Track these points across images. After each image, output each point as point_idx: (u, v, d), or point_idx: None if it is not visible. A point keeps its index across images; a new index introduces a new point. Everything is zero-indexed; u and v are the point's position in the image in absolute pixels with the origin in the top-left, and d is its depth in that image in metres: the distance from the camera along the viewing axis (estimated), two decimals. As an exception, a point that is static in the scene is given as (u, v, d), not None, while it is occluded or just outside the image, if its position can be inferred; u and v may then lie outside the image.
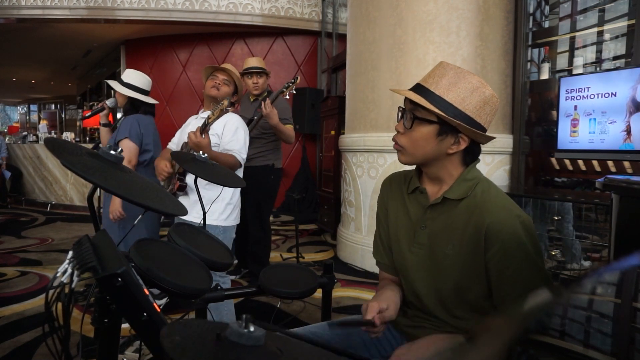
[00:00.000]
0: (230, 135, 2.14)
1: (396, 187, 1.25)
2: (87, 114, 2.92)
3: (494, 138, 1.11)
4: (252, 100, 3.26)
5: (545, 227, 2.89)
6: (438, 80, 1.06)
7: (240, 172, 2.24)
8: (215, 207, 2.05)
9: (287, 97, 3.08)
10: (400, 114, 1.13)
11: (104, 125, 2.81)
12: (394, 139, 1.14)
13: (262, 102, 2.89)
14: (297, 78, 3.08)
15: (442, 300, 1.11)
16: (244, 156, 2.16)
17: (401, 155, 1.13)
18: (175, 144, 2.30)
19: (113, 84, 2.61)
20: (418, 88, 1.09)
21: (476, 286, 1.06)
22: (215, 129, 2.14)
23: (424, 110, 1.06)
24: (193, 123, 2.24)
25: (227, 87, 2.23)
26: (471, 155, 1.11)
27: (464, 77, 1.05)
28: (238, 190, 2.20)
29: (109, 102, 2.78)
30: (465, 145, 1.07)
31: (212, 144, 2.10)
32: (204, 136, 2.01)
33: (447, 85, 1.05)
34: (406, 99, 1.10)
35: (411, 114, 1.08)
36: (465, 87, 1.04)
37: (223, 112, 2.02)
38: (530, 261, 1.02)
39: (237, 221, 2.23)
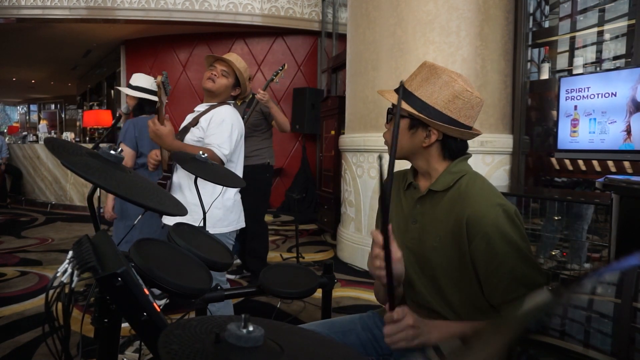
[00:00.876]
0: (214, 127, 1.91)
1: (395, 184, 1.28)
2: (113, 122, 3.03)
3: (473, 134, 1.13)
4: (239, 104, 3.30)
5: (550, 227, 2.88)
6: (413, 78, 1.14)
7: (240, 171, 2.10)
8: (198, 212, 1.83)
9: (277, 82, 3.44)
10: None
11: None
12: (383, 135, 1.22)
13: (259, 90, 3.13)
14: (284, 65, 3.39)
15: (441, 294, 1.11)
16: (226, 152, 1.89)
17: (388, 149, 1.19)
18: None
19: (123, 89, 2.70)
20: (398, 88, 1.14)
21: (467, 279, 1.06)
22: (202, 122, 1.96)
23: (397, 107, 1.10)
24: (187, 117, 2.12)
25: (225, 79, 2.01)
26: (448, 150, 1.13)
27: (435, 73, 1.10)
28: (231, 195, 2.00)
29: (123, 109, 2.88)
30: (436, 138, 1.11)
31: (195, 139, 1.95)
32: (164, 124, 1.79)
33: (419, 81, 1.11)
34: None
35: (390, 110, 1.17)
36: (435, 82, 1.09)
37: (160, 88, 1.78)
38: (515, 249, 1.01)
39: (229, 229, 1.99)
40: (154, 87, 2.68)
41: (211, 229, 1.89)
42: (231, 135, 1.93)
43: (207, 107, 2.04)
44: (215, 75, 2.00)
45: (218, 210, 1.94)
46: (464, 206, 1.05)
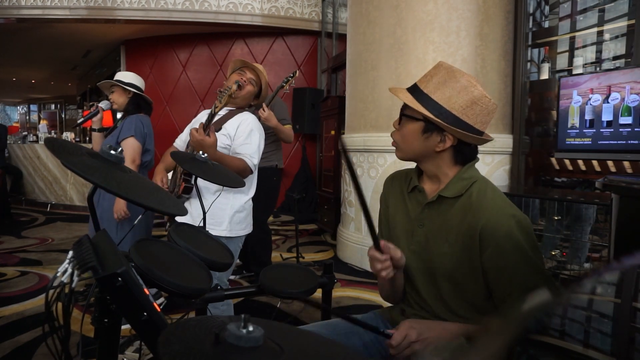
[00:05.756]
0: (244, 137, 1.93)
1: (397, 185, 1.26)
2: (81, 119, 2.79)
3: (485, 140, 1.11)
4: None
5: (550, 227, 2.88)
6: (429, 80, 1.09)
7: (253, 177, 2.08)
8: (223, 216, 1.91)
9: (288, 90, 3.14)
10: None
11: (98, 130, 2.74)
12: (391, 135, 1.18)
13: (263, 105, 2.93)
14: (295, 72, 3.15)
15: (443, 299, 1.11)
16: (256, 162, 1.95)
17: (396, 150, 1.17)
18: (182, 140, 2.13)
19: (119, 83, 2.59)
20: (412, 88, 1.12)
21: (473, 285, 1.06)
22: (228, 128, 1.95)
23: (411, 108, 1.09)
24: (200, 117, 2.09)
25: (252, 87, 2.02)
26: (461, 155, 1.11)
27: (453, 77, 1.06)
28: (248, 197, 2.03)
29: (102, 105, 2.71)
30: (450, 144, 1.09)
31: (222, 146, 1.92)
32: (209, 135, 1.78)
33: (436, 84, 1.07)
34: None
35: (402, 112, 1.13)
36: (453, 87, 1.06)
37: (231, 98, 1.84)
38: (527, 261, 1.01)
39: (247, 231, 2.04)
40: (143, 87, 2.68)
41: (231, 232, 1.93)
42: (259, 145, 1.97)
43: (226, 112, 2.01)
44: (245, 81, 2.00)
45: (240, 213, 1.97)
46: (478, 216, 1.03)
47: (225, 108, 2.02)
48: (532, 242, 1.03)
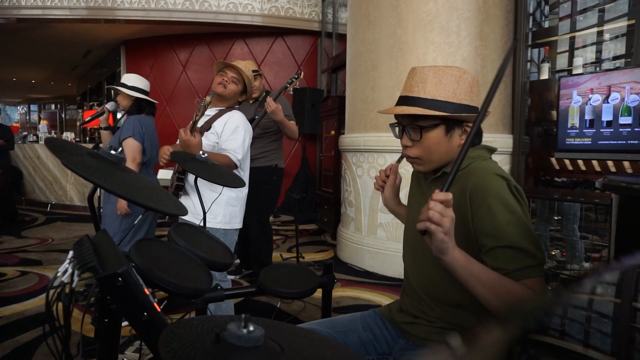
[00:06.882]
0: (229, 133, 2.05)
1: (416, 172, 1.31)
2: (87, 118, 2.92)
3: (488, 112, 1.14)
4: (251, 102, 3.26)
5: (547, 227, 2.89)
6: (423, 86, 1.09)
7: (247, 173, 2.20)
8: (218, 209, 2.01)
9: (291, 92, 3.14)
10: (398, 130, 1.15)
11: (105, 128, 2.89)
12: (404, 154, 1.16)
13: (268, 98, 2.96)
14: (300, 73, 3.14)
15: (448, 276, 1.08)
16: (240, 156, 2.04)
17: (418, 165, 1.16)
18: None
19: (123, 89, 2.68)
20: (407, 100, 1.10)
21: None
22: (216, 127, 2.07)
23: (425, 118, 1.08)
24: (203, 120, 2.20)
25: (235, 85, 2.13)
26: (479, 136, 1.18)
27: (444, 73, 1.09)
28: (242, 192, 2.15)
29: (109, 106, 2.86)
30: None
31: (210, 143, 2.06)
32: (194, 135, 1.94)
33: (434, 86, 1.08)
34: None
35: (415, 125, 1.10)
36: (450, 81, 1.08)
37: (206, 109, 2.00)
38: (518, 219, 0.99)
39: (240, 225, 2.16)
40: (148, 88, 2.75)
41: (224, 224, 2.05)
42: (244, 141, 2.07)
43: (216, 112, 2.14)
44: (226, 81, 2.10)
45: (233, 207, 2.09)
46: (468, 180, 1.06)
47: (215, 108, 2.15)
48: (521, 205, 1.02)
